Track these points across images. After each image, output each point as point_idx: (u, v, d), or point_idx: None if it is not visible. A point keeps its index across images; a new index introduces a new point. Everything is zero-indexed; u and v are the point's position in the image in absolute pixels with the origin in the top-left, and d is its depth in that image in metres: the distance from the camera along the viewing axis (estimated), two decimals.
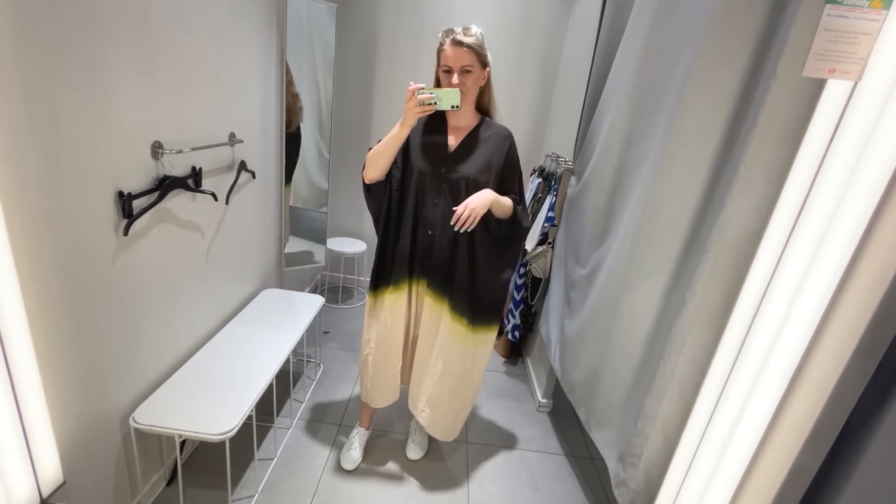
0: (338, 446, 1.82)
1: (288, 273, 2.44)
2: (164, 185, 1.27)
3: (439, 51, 1.34)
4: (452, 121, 1.44)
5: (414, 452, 1.81)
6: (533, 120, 2.81)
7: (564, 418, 2.17)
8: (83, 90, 1.00)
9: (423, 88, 1.21)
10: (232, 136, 1.65)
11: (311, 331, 1.84)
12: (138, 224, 1.22)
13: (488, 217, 1.41)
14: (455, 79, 1.30)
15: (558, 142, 2.44)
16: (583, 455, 1.95)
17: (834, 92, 0.70)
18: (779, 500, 0.81)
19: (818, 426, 0.71)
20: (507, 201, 1.43)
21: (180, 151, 1.30)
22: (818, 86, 0.82)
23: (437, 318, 1.54)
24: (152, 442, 1.45)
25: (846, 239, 0.65)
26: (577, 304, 1.78)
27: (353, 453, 1.74)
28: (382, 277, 1.52)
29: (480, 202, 1.33)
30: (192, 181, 1.44)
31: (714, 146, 1.12)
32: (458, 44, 1.29)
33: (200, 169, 1.46)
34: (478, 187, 1.40)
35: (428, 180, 1.42)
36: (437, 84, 1.39)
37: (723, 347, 0.96)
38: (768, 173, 0.95)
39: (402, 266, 1.49)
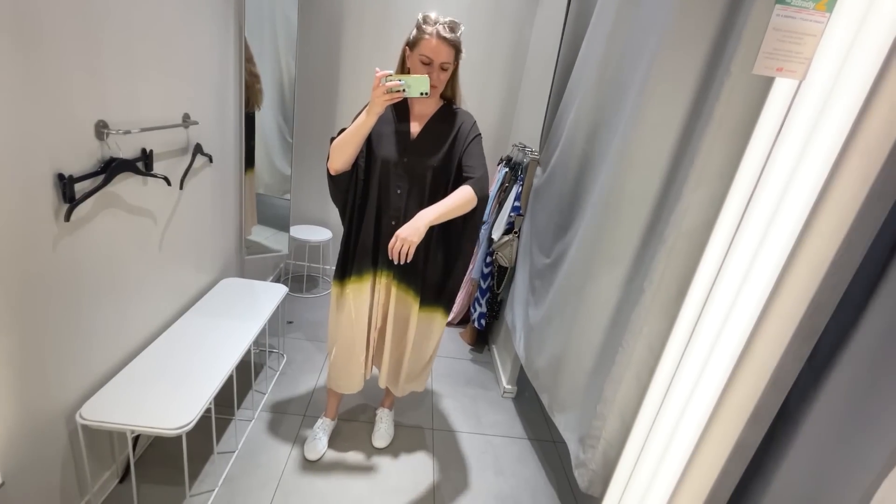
0: (302, 438, 1.79)
1: (249, 261, 2.36)
2: (111, 168, 1.20)
3: (418, 38, 1.27)
4: (416, 107, 1.41)
5: (380, 440, 1.81)
6: (501, 109, 2.81)
7: (528, 403, 2.23)
8: (15, 61, 0.92)
9: (390, 75, 1.16)
10: (186, 117, 1.57)
11: (273, 321, 1.79)
12: (82, 209, 1.15)
13: (445, 226, 1.39)
14: (434, 74, 1.28)
15: (525, 132, 2.46)
16: (545, 438, 2.01)
17: (781, 90, 0.74)
18: (723, 476, 0.86)
19: (759, 407, 0.75)
20: (454, 202, 1.32)
21: (128, 132, 1.22)
22: (767, 84, 0.85)
23: (406, 308, 1.53)
24: (103, 438, 1.38)
25: (788, 231, 0.68)
26: (542, 293, 1.82)
27: (318, 444, 1.72)
28: (347, 267, 1.50)
29: (412, 232, 1.25)
30: (143, 164, 1.36)
31: (673, 140, 1.16)
32: (444, 39, 1.25)
33: (151, 151, 1.38)
34: (441, 175, 1.40)
35: (391, 169, 1.39)
36: (402, 67, 1.34)
37: (675, 334, 1.01)
38: (721, 167, 0.99)
39: (366, 256, 1.46)
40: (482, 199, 1.39)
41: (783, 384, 0.72)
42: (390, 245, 1.26)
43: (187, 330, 1.60)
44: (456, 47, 1.29)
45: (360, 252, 1.46)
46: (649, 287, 1.14)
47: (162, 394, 1.30)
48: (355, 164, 1.39)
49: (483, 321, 2.46)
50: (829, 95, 0.62)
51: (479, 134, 1.44)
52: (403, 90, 1.17)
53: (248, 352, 1.61)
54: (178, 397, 1.29)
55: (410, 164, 1.39)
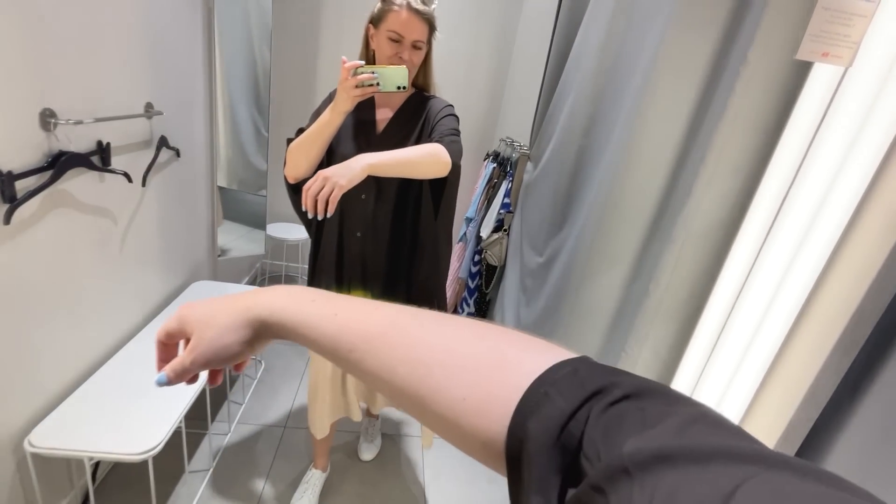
0: (283, 450, 1.68)
1: (222, 263, 2.22)
2: (60, 163, 1.06)
3: (385, 10, 1.05)
4: (385, 101, 1.18)
5: (367, 452, 1.72)
6: (486, 102, 2.72)
7: None
8: None
9: (361, 67, 0.95)
10: (149, 106, 1.42)
11: None
12: (25, 210, 1.01)
13: (415, 216, 1.16)
14: (406, 54, 1.06)
15: (513, 126, 2.38)
16: None
17: (820, 80, 0.67)
18: None
19: (791, 424, 0.69)
20: (416, 152, 1.03)
21: (80, 122, 1.08)
22: (793, 73, 0.79)
23: None
24: (58, 465, 1.24)
25: (829, 231, 0.62)
26: (534, 292, 1.75)
27: (305, 501, 1.48)
28: (312, 282, 1.28)
29: (342, 172, 0.90)
30: (99, 158, 1.22)
31: (679, 132, 1.10)
32: (416, 12, 1.04)
33: (108, 144, 1.23)
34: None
35: None
36: (367, 50, 1.14)
37: (695, 341, 0.94)
38: (737, 163, 0.93)
39: (329, 276, 1.23)
40: (455, 166, 1.10)
41: (818, 400, 0.66)
42: (306, 186, 0.90)
43: (151, 342, 1.46)
44: (430, 22, 1.09)
45: (322, 271, 1.24)
46: (655, 290, 1.08)
47: (124, 414, 1.17)
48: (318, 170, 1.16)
49: None
50: (881, 85, 0.56)
51: (452, 108, 1.18)
52: (377, 84, 0.98)
53: None
54: (142, 417, 1.17)
55: None
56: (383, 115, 1.18)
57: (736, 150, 0.93)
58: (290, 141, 1.11)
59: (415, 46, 1.08)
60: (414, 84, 1.21)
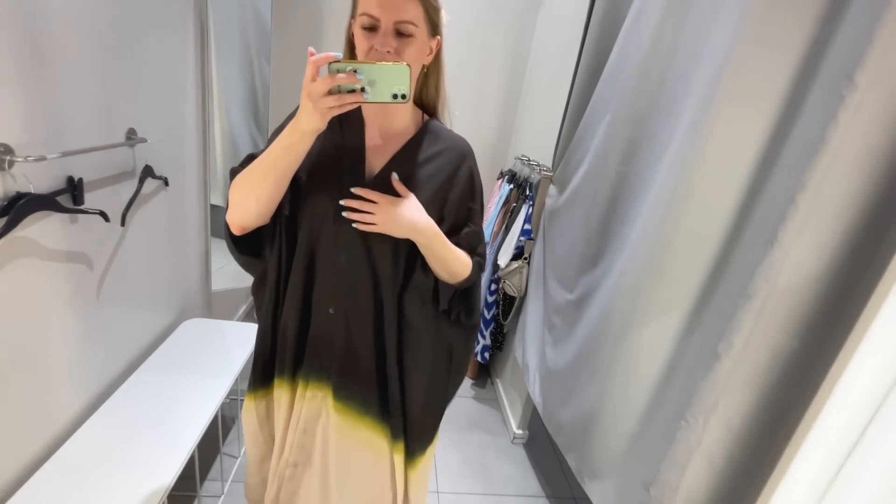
0: None
1: (216, 294, 2.04)
2: (18, 208, 0.89)
3: None
4: (378, 120, 0.84)
5: None
6: (499, 118, 2.57)
7: (541, 450, 1.98)
8: None
9: (338, 61, 0.61)
10: (131, 133, 1.26)
11: (247, 365, 1.49)
12: None
13: (423, 282, 0.85)
14: (383, 40, 0.70)
15: (530, 144, 2.22)
16: (565, 495, 1.76)
17: None
18: None
19: None
20: (455, 253, 0.84)
21: (42, 158, 0.92)
22: None
23: (352, 443, 0.90)
24: None
25: None
26: (563, 333, 1.57)
27: None
28: (260, 375, 0.94)
29: (395, 215, 0.76)
30: (71, 197, 1.05)
31: (750, 164, 0.93)
32: None
33: (80, 180, 1.07)
34: (413, 245, 0.82)
35: (327, 224, 0.80)
36: (351, 54, 0.80)
37: (782, 418, 0.76)
38: (839, 207, 0.76)
39: (287, 362, 0.89)
40: (476, 281, 0.92)
41: None
42: (359, 203, 0.75)
43: (133, 397, 1.29)
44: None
45: (280, 355, 0.90)
46: (728, 352, 0.90)
47: (103, 486, 1.00)
48: (278, 217, 0.81)
49: (486, 354, 2.21)
50: None
51: (481, 188, 0.93)
52: (363, 89, 0.63)
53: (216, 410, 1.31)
54: (124, 490, 1.00)
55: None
56: (379, 150, 0.83)
57: (839, 191, 0.76)
58: (234, 172, 0.77)
59: (400, 32, 0.71)
60: (422, 101, 0.87)
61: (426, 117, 0.89)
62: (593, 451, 1.34)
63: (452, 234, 0.86)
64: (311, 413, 0.90)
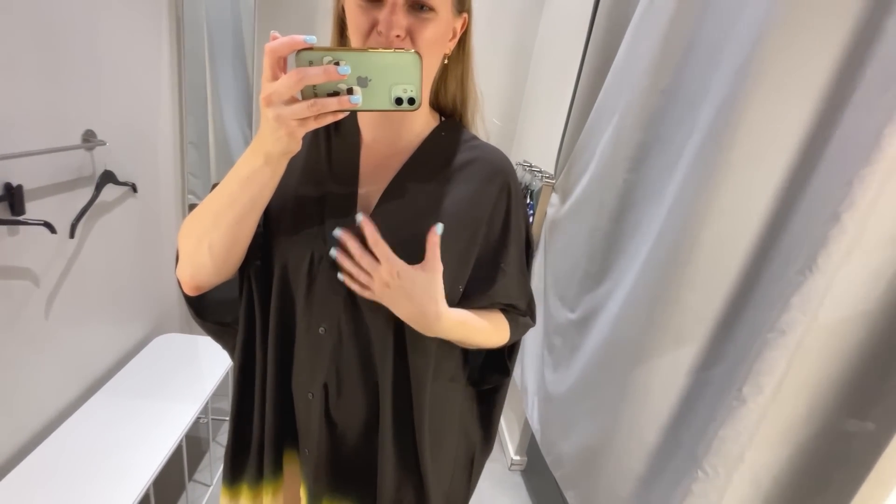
0: None
1: None
2: None
3: None
4: (380, 130, 0.63)
5: None
6: (500, 120, 2.44)
7: (540, 479, 1.83)
8: None
9: (311, 48, 0.42)
10: (89, 135, 1.15)
11: (224, 381, 1.37)
12: None
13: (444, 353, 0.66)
14: (385, 20, 0.50)
15: (533, 149, 2.09)
16: None
17: None
18: None
19: None
20: (490, 329, 0.66)
21: None
22: None
23: None
24: None
25: None
26: (563, 355, 1.44)
27: None
28: (237, 463, 0.71)
29: (402, 288, 0.54)
30: (6, 206, 0.94)
31: (782, 176, 0.79)
32: None
33: (20, 187, 0.95)
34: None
35: (300, 280, 0.59)
36: (340, 36, 0.61)
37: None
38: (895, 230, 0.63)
39: (270, 452, 0.67)
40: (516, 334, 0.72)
41: None
42: (350, 268, 0.55)
43: (91, 422, 1.17)
44: None
45: (259, 444, 0.67)
46: (755, 397, 0.76)
47: None
48: (245, 270, 0.61)
49: None
50: None
51: (528, 222, 0.71)
52: (350, 90, 0.44)
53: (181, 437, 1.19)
54: None
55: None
56: (375, 171, 0.62)
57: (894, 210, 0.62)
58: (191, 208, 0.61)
59: (416, 3, 0.51)
60: (438, 102, 0.66)
61: (440, 118, 0.67)
62: (597, 492, 1.21)
63: (484, 285, 0.64)
64: None
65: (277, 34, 0.42)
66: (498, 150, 0.67)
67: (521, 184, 1.95)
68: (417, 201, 0.60)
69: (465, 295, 0.63)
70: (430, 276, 0.54)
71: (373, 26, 0.51)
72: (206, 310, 0.65)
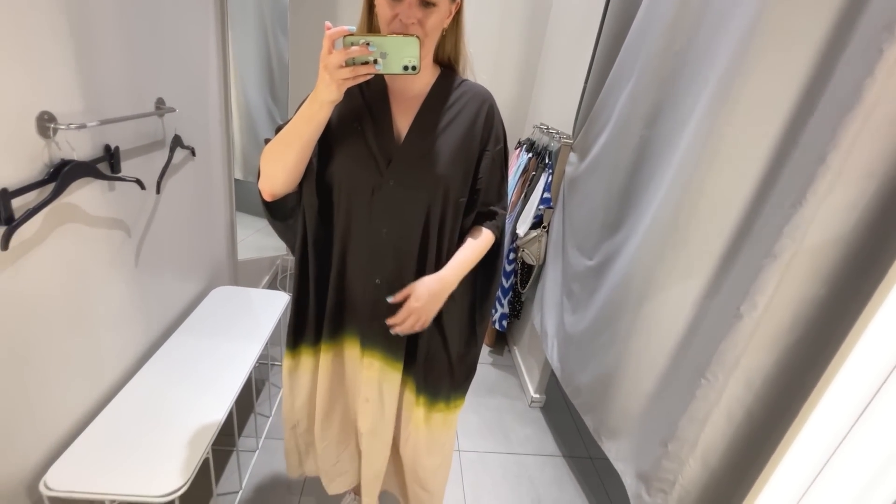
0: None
1: (241, 264, 2.10)
2: (63, 174, 0.93)
3: None
4: (399, 83, 0.87)
5: None
6: (517, 85, 2.53)
7: (558, 414, 2.04)
8: None
9: (352, 34, 0.67)
10: (160, 103, 1.29)
11: (274, 330, 1.56)
12: (26, 230, 0.88)
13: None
14: (407, 14, 0.74)
15: (550, 112, 2.19)
16: (581, 455, 1.82)
17: None
18: None
19: None
20: (476, 253, 0.94)
21: (82, 126, 0.95)
22: None
23: (394, 401, 1.01)
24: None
25: None
26: (582, 299, 1.60)
27: None
28: (303, 335, 1.00)
29: (431, 302, 0.88)
30: (108, 165, 1.09)
31: (780, 124, 0.92)
32: None
33: (117, 148, 1.10)
34: (451, 198, 0.88)
35: (367, 198, 0.85)
36: (370, 19, 0.83)
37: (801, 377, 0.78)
38: (872, 166, 0.76)
39: (334, 327, 0.97)
40: (501, 237, 1.00)
41: None
42: (400, 317, 0.87)
43: (173, 358, 1.36)
44: None
45: (329, 318, 0.95)
46: (751, 312, 0.92)
47: (145, 447, 1.07)
48: (305, 188, 0.87)
49: (504, 322, 2.25)
50: None
51: (504, 134, 0.96)
52: (375, 61, 0.69)
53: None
54: (165, 449, 1.07)
55: (400, 187, 0.84)
56: (404, 120, 0.86)
57: (871, 149, 0.75)
58: (267, 142, 0.84)
59: (425, 1, 0.75)
60: (438, 59, 0.89)
61: (442, 70, 0.91)
62: (612, 412, 1.39)
63: (482, 185, 0.92)
64: (372, 379, 0.97)
65: (330, 24, 0.67)
66: (480, 86, 0.94)
67: (536, 143, 2.06)
68: (436, 127, 0.86)
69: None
70: (425, 287, 0.88)
71: (394, 16, 0.75)
72: (277, 213, 0.91)
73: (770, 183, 0.94)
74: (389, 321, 0.88)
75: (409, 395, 1.01)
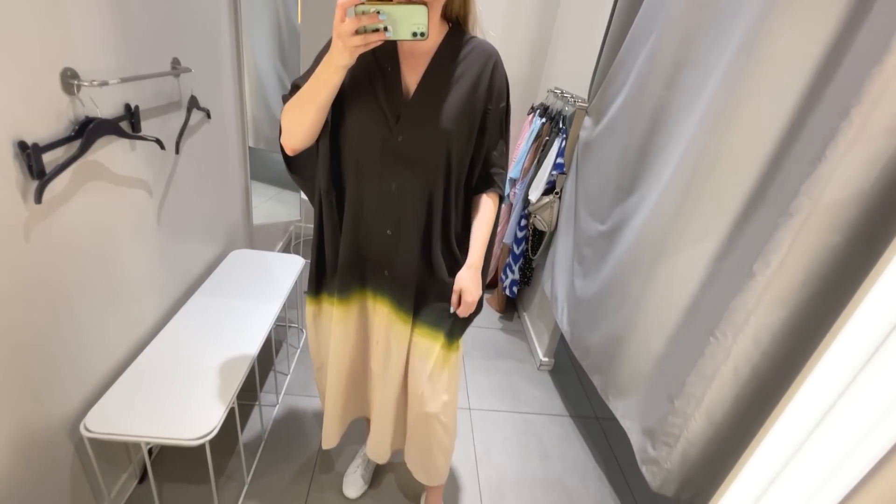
0: None
1: (256, 229, 2.14)
2: (89, 131, 0.95)
3: None
4: (408, 42, 0.89)
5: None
6: (530, 49, 2.47)
7: (566, 376, 2.09)
8: None
9: (363, 3, 0.69)
10: (175, 62, 1.29)
11: (290, 294, 1.60)
12: (56, 185, 0.91)
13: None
14: None
15: (564, 75, 2.15)
16: (587, 415, 1.88)
17: None
18: None
19: None
20: (489, 229, 1.02)
21: (105, 83, 0.96)
22: None
23: (402, 346, 1.05)
24: (115, 444, 1.23)
25: None
26: (593, 263, 1.61)
27: (356, 478, 1.44)
28: (323, 284, 1.08)
29: (477, 289, 1.00)
30: (128, 124, 1.11)
31: (804, 81, 0.90)
32: None
33: (137, 107, 1.12)
34: (459, 153, 0.93)
35: (377, 154, 0.90)
36: None
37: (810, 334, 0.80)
38: (894, 122, 0.75)
39: (349, 276, 1.02)
40: (503, 195, 1.07)
41: None
42: (463, 312, 1.01)
43: (197, 315, 1.41)
44: None
45: (343, 271, 1.01)
46: (763, 270, 0.93)
47: (176, 394, 1.13)
48: (320, 146, 0.94)
49: (515, 288, 2.28)
50: None
51: (507, 89, 0.98)
52: (385, 28, 0.72)
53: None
54: (195, 397, 1.13)
55: (409, 142, 0.88)
56: (412, 76, 0.88)
57: (895, 104, 0.74)
58: (285, 100, 0.88)
59: None
60: (447, 16, 0.90)
61: (451, 27, 0.92)
62: (620, 371, 1.42)
63: (482, 139, 0.96)
64: (381, 324, 1.04)
65: None
66: (488, 43, 0.95)
67: (550, 107, 2.04)
68: (442, 84, 0.89)
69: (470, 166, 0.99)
70: (466, 278, 1.00)
71: None
72: (296, 168, 0.99)
73: (790, 140, 0.93)
74: (458, 312, 1.01)
75: (416, 337, 1.06)
